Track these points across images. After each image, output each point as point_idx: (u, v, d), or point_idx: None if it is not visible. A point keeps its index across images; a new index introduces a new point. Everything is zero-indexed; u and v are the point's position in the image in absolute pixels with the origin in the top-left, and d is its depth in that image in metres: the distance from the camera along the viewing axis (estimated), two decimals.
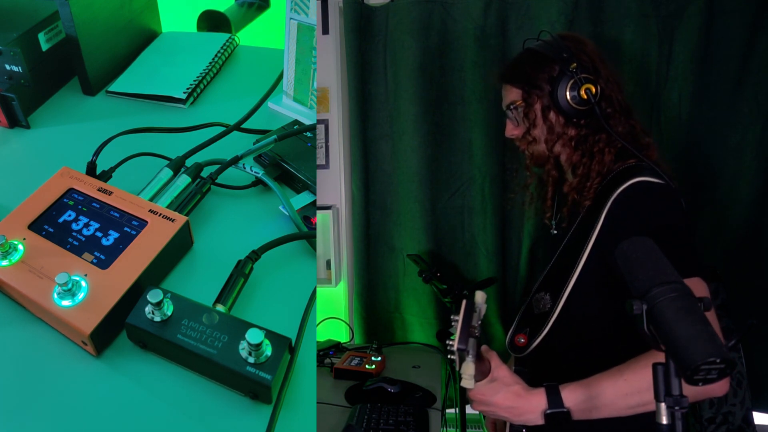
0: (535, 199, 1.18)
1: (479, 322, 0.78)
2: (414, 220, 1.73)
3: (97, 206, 0.95)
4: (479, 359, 0.82)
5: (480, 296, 0.80)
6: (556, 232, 1.11)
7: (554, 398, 0.84)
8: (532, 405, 0.84)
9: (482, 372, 0.85)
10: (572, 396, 0.83)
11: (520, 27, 1.59)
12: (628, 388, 0.81)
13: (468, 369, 0.77)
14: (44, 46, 1.28)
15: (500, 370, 0.86)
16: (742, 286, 1.57)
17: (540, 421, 0.85)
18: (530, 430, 0.95)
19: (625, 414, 0.83)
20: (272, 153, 1.14)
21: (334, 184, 1.82)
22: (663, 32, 1.51)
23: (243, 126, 1.23)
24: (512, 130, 1.08)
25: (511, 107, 1.05)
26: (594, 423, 0.96)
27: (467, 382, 0.78)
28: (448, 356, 0.79)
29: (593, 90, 0.96)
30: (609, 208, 0.93)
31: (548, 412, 0.83)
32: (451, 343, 0.77)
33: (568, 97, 0.97)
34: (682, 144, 1.56)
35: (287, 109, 1.34)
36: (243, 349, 0.75)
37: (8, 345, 0.83)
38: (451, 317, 0.80)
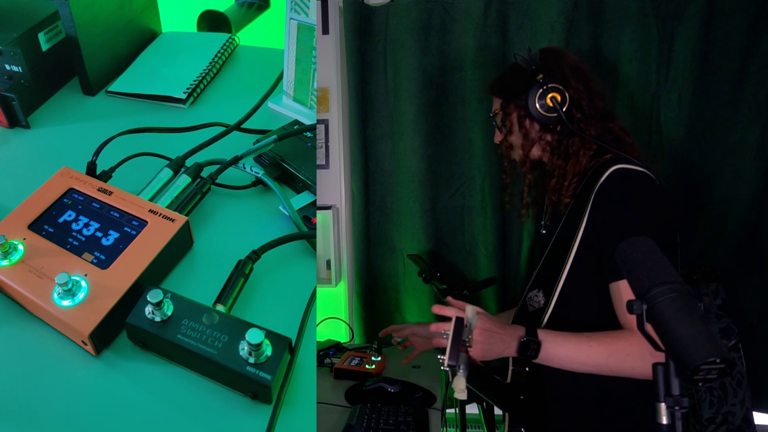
0: (514, 200, 1.23)
1: (470, 337, 0.82)
2: (414, 220, 1.73)
3: (97, 206, 0.95)
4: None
5: (470, 311, 0.85)
6: (545, 231, 1.13)
7: (531, 330, 0.92)
8: (513, 332, 0.92)
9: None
10: (545, 336, 0.92)
11: (520, 27, 1.59)
12: (592, 354, 0.91)
13: (459, 384, 0.80)
14: (44, 46, 1.28)
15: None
16: (742, 286, 1.57)
17: (514, 351, 0.92)
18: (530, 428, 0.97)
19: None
20: (272, 153, 1.14)
21: (334, 184, 1.82)
22: (663, 32, 1.51)
23: (243, 126, 1.23)
24: (497, 137, 1.16)
25: (491, 116, 1.15)
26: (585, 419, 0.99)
27: (460, 394, 0.80)
28: (441, 368, 0.82)
29: (558, 98, 1.03)
30: (593, 200, 0.97)
31: (524, 340, 0.91)
32: (442, 358, 0.79)
33: (537, 105, 1.04)
34: (682, 144, 1.56)
35: (287, 109, 1.34)
36: (243, 349, 0.75)
37: (8, 345, 0.83)
38: (443, 331, 0.84)
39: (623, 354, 0.88)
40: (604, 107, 1.07)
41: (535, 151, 1.10)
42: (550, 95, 1.02)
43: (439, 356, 0.81)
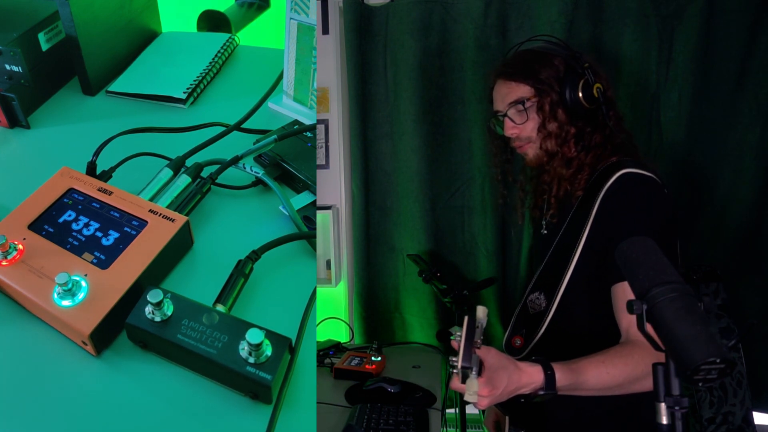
0: (528, 199, 1.19)
1: (481, 338, 0.80)
2: (414, 220, 1.73)
3: (97, 206, 0.95)
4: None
5: (481, 311, 0.82)
6: (546, 231, 1.12)
7: (549, 381, 0.84)
8: (529, 380, 0.84)
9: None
10: (563, 379, 0.85)
11: (520, 27, 1.59)
12: (608, 382, 0.85)
13: (473, 386, 0.78)
14: (44, 46, 1.28)
15: (490, 356, 0.84)
16: (742, 286, 1.57)
17: (528, 392, 0.86)
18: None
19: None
20: (272, 153, 1.14)
21: (334, 184, 1.82)
22: (663, 32, 1.51)
23: (243, 126, 1.23)
24: (513, 128, 1.06)
25: (520, 103, 1.04)
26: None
27: (472, 397, 0.78)
28: (451, 370, 0.80)
29: (602, 89, 1.00)
30: (600, 202, 0.96)
31: (541, 393, 0.85)
32: (454, 360, 0.77)
33: (581, 95, 1.00)
34: (682, 144, 1.55)
35: (287, 109, 1.34)
36: (243, 349, 0.75)
37: (8, 345, 0.83)
38: (454, 332, 0.81)
39: (639, 371, 0.84)
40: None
41: (562, 142, 1.05)
42: (596, 85, 0.99)
43: (451, 358, 0.78)
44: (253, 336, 0.73)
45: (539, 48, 1.06)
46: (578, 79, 1.00)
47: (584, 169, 1.02)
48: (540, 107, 1.03)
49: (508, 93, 1.06)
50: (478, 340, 0.79)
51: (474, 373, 0.78)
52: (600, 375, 0.85)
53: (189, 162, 1.10)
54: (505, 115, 1.07)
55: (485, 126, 1.62)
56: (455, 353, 0.78)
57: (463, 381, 0.79)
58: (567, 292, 1.00)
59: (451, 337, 0.81)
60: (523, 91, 1.05)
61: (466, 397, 0.79)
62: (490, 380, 0.80)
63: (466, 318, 0.79)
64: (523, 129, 1.06)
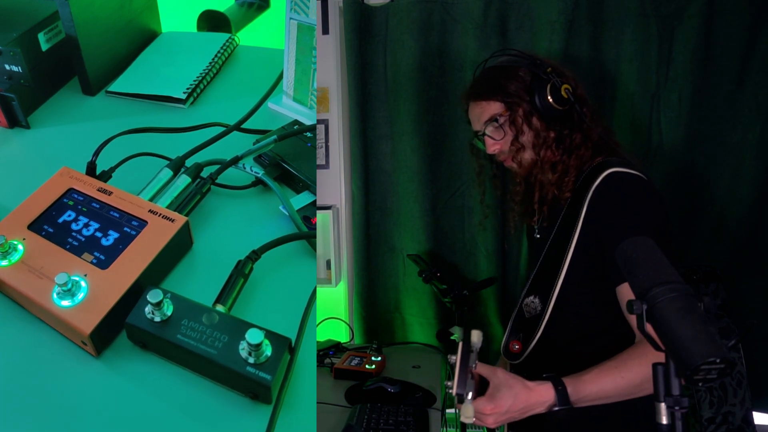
0: (520, 206, 1.18)
1: (476, 363, 0.81)
2: (414, 220, 1.73)
3: (97, 206, 0.95)
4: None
5: (476, 335, 0.83)
6: (539, 236, 1.12)
7: (562, 396, 0.85)
8: (540, 399, 0.86)
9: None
10: (576, 392, 0.86)
11: (520, 27, 1.59)
12: (625, 386, 0.85)
13: (467, 410, 0.79)
14: (44, 46, 1.28)
15: (496, 377, 0.86)
16: (742, 286, 1.57)
17: (543, 411, 0.86)
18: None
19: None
20: (272, 153, 1.14)
21: (334, 184, 1.82)
22: (663, 32, 1.51)
23: (243, 126, 1.23)
24: (494, 145, 1.08)
25: (494, 120, 1.06)
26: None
27: (468, 420, 0.80)
28: (448, 390, 0.81)
29: (570, 89, 1.00)
30: (588, 204, 0.96)
31: (556, 408, 0.85)
32: (449, 385, 0.79)
33: (551, 99, 1.00)
34: (682, 144, 1.55)
35: (287, 109, 1.34)
36: (243, 349, 0.75)
37: (8, 345, 0.83)
38: (448, 356, 0.82)
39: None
40: (592, 102, 1.07)
41: (542, 150, 1.06)
42: (564, 87, 0.99)
43: (447, 382, 0.80)
44: (253, 336, 0.73)
45: (502, 63, 1.07)
46: (545, 84, 1.00)
47: (570, 172, 1.03)
48: (512, 121, 1.05)
49: (482, 113, 1.08)
50: (473, 365, 0.80)
51: (469, 398, 0.79)
52: (615, 380, 0.85)
53: (189, 162, 1.10)
54: (484, 133, 1.08)
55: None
56: (455, 351, 0.79)
57: (459, 404, 0.81)
58: (561, 294, 1.00)
59: (449, 361, 0.83)
60: (495, 108, 1.06)
61: (462, 419, 0.80)
62: (491, 398, 0.82)
63: (460, 344, 0.81)
64: (504, 144, 1.07)
